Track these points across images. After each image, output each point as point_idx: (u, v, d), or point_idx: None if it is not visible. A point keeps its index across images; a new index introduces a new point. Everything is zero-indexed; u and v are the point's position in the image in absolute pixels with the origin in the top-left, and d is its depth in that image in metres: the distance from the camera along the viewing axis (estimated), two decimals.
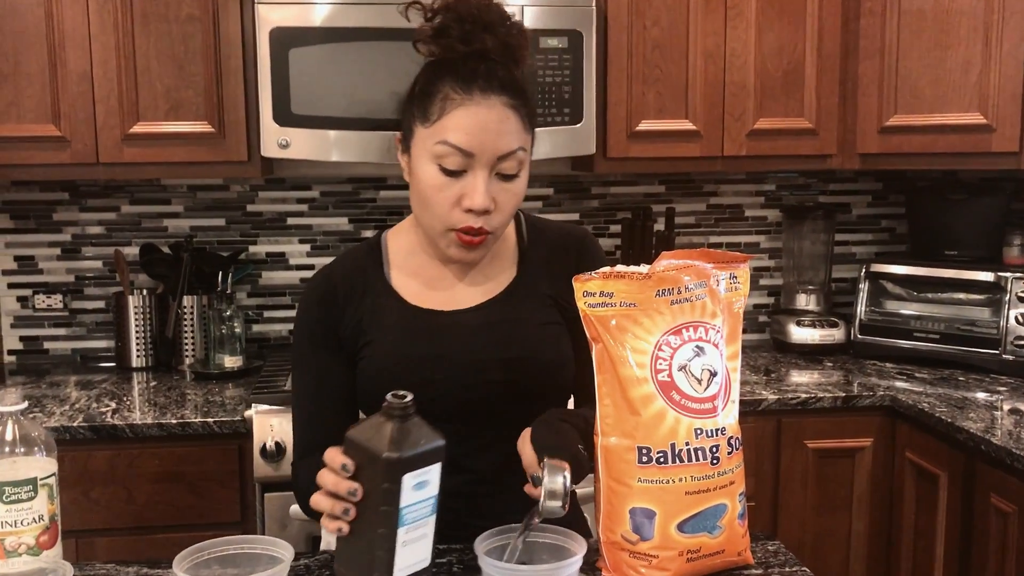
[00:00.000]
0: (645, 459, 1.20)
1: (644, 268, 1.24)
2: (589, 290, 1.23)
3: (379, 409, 1.29)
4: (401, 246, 1.48)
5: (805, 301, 2.94)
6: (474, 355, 1.39)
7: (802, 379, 2.55)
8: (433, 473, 1.09)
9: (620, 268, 1.25)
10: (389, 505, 1.05)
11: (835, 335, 2.81)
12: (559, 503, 1.15)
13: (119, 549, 2.19)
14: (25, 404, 1.17)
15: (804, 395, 2.37)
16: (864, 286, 2.82)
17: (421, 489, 1.07)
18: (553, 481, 1.15)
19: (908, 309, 2.76)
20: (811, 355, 2.81)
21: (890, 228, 3.13)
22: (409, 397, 1.10)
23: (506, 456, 1.33)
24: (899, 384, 2.48)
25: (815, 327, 2.82)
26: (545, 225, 1.54)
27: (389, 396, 1.10)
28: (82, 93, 2.37)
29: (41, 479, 1.16)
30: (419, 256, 1.46)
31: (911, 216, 2.96)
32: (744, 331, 3.14)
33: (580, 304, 1.24)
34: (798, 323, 2.83)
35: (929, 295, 2.73)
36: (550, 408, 1.36)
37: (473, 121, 1.30)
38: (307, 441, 1.47)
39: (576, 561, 1.13)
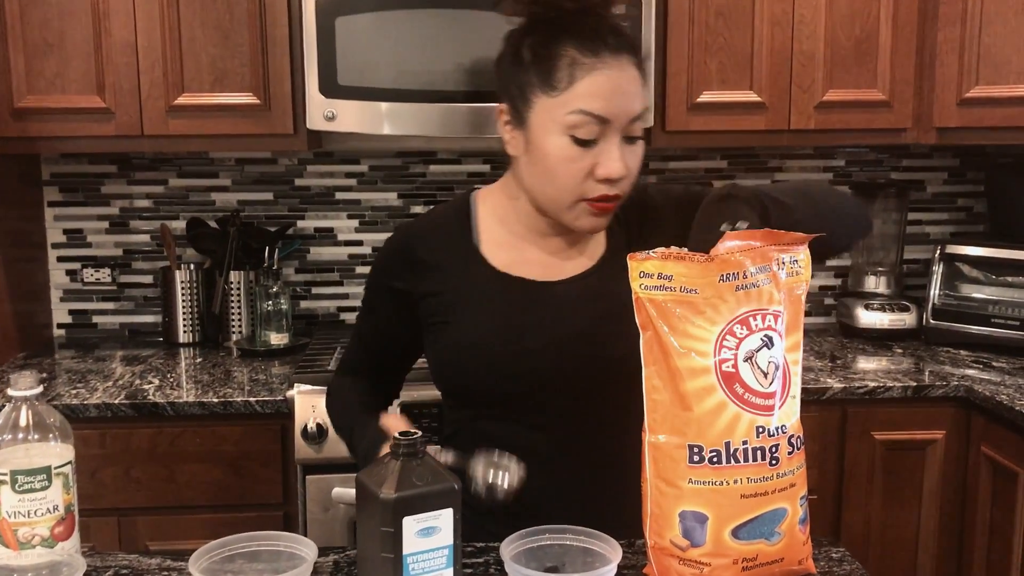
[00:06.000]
0: (697, 458, 1.10)
1: None
2: (646, 271, 1.12)
3: (470, 385, 1.26)
4: (492, 212, 1.40)
5: (874, 283, 2.79)
6: (573, 327, 1.33)
7: (870, 366, 2.42)
8: (444, 519, 1.00)
9: (675, 249, 1.14)
10: (390, 552, 0.97)
11: (906, 320, 2.66)
12: (480, 489, 1.19)
13: (161, 528, 2.16)
14: (40, 389, 1.11)
15: (872, 383, 2.24)
16: (938, 268, 2.67)
17: (428, 536, 0.99)
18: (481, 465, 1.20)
19: (985, 293, 2.60)
20: (880, 341, 2.66)
21: (967, 207, 2.96)
22: (417, 434, 1.02)
23: (595, 450, 1.34)
24: (975, 373, 2.33)
25: (884, 311, 2.67)
26: None
27: (397, 433, 1.03)
28: (126, 64, 2.32)
29: (56, 468, 1.11)
30: (512, 226, 1.39)
31: (990, 194, 2.80)
32: (808, 314, 3.00)
33: (634, 286, 1.13)
34: (866, 306, 2.69)
35: (1009, 279, 2.56)
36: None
37: (609, 86, 1.24)
38: (349, 367, 1.54)
39: (609, 571, 1.04)
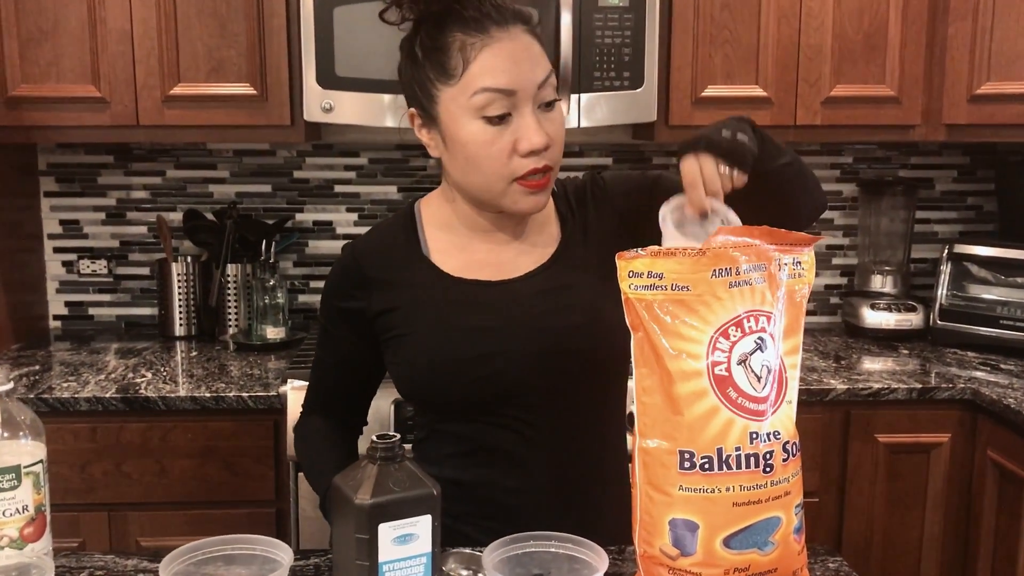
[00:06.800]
0: (687, 465, 1.06)
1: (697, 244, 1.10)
2: (635, 270, 1.08)
3: (435, 395, 1.24)
4: (436, 217, 1.38)
5: (881, 283, 2.75)
6: (534, 323, 1.29)
7: (875, 367, 2.37)
8: (422, 526, 0.97)
9: (666, 247, 1.10)
10: (365, 559, 0.94)
11: (912, 320, 2.62)
12: None
13: (152, 524, 2.13)
14: (11, 385, 1.08)
15: (877, 385, 2.19)
16: (946, 268, 2.62)
17: (405, 544, 0.95)
18: None
19: (994, 294, 2.55)
20: (885, 341, 2.62)
21: (976, 206, 2.91)
22: (396, 437, 0.98)
23: (571, 448, 1.31)
24: (982, 376, 2.28)
25: (891, 311, 2.63)
26: (564, 182, 1.43)
27: (374, 437, 1.00)
28: (122, 53, 2.29)
29: (26, 467, 1.07)
30: (457, 228, 1.36)
31: (1001, 193, 2.75)
32: (812, 313, 2.96)
33: (623, 287, 1.09)
34: (872, 306, 2.65)
35: (1018, 279, 2.51)
36: (620, 380, 1.29)
37: (504, 57, 1.22)
38: (316, 403, 1.49)
39: None
